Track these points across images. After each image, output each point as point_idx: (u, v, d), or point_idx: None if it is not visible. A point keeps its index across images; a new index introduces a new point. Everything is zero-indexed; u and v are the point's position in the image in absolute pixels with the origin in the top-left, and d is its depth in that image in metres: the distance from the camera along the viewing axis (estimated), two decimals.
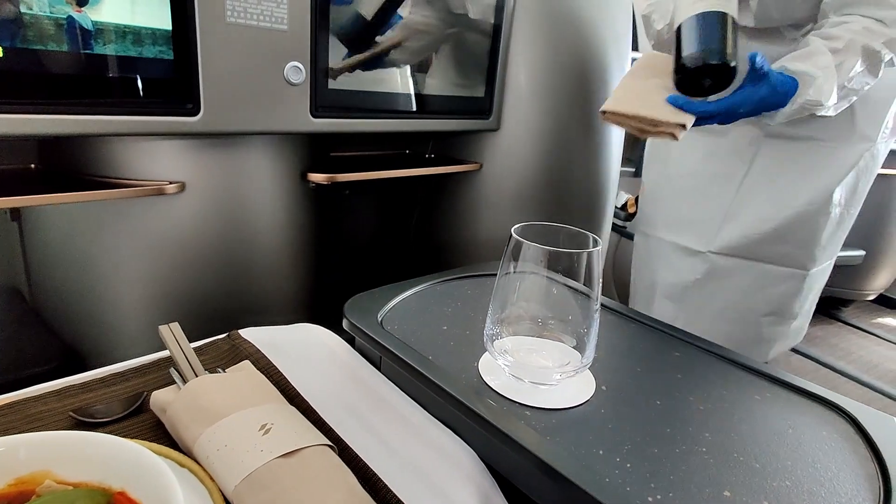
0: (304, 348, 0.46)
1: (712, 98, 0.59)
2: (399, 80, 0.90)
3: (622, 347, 0.46)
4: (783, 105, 0.60)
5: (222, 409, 0.34)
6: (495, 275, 0.39)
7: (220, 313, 0.81)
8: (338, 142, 1.03)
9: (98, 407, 0.36)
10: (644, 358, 0.45)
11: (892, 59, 0.61)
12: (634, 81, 0.62)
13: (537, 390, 0.39)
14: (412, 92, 0.91)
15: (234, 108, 0.71)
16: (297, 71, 0.75)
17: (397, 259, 1.23)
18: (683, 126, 0.56)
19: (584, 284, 0.37)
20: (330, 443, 0.34)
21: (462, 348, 0.42)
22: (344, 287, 1.04)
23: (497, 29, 0.95)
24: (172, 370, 0.39)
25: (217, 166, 0.78)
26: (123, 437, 0.33)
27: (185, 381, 0.37)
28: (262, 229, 0.83)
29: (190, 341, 0.48)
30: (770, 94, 0.57)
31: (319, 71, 0.77)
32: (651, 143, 1.01)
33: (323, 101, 0.78)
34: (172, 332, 0.40)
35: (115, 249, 0.75)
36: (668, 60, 0.59)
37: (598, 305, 0.38)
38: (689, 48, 0.54)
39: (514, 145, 1.06)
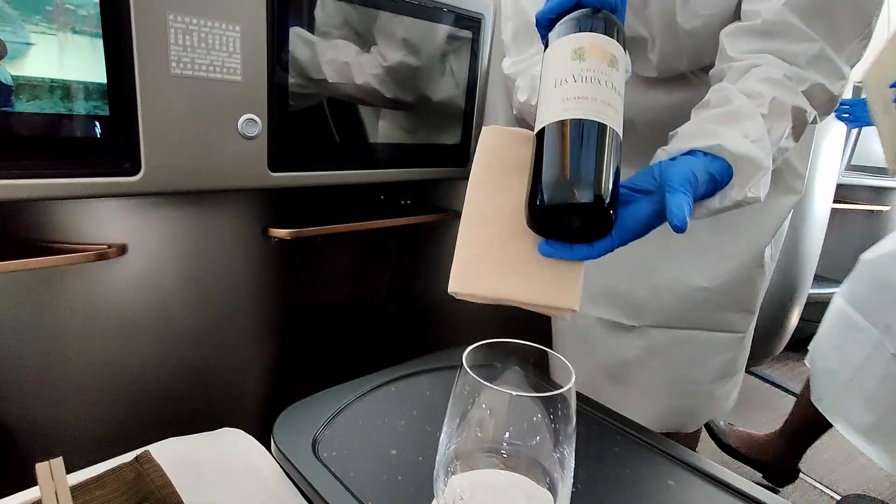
0: (224, 472, 0.39)
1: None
2: (367, 129, 0.84)
3: (604, 473, 0.39)
4: (709, 196, 0.41)
5: None
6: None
7: (160, 408, 0.72)
8: (304, 191, 0.97)
9: None
10: (632, 491, 0.38)
11: (815, 117, 0.47)
12: (484, 207, 0.39)
13: None
14: (381, 141, 0.86)
15: (181, 165, 0.65)
16: (252, 124, 0.69)
17: (371, 325, 1.15)
18: (572, 310, 0.37)
19: (560, 421, 0.31)
20: None
21: (411, 486, 0.35)
22: (310, 365, 0.95)
23: (473, 72, 0.90)
24: None
25: (163, 225, 0.71)
26: None
27: None
28: (216, 297, 0.75)
29: (103, 455, 0.40)
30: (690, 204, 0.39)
31: (278, 122, 0.71)
32: None
33: (282, 154, 0.72)
34: (51, 472, 0.33)
35: (38, 325, 0.67)
36: (529, 143, 0.38)
37: (573, 448, 0.31)
38: (548, 173, 0.34)
39: None
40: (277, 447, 0.36)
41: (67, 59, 0.57)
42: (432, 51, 0.83)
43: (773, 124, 0.43)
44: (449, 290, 0.38)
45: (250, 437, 0.43)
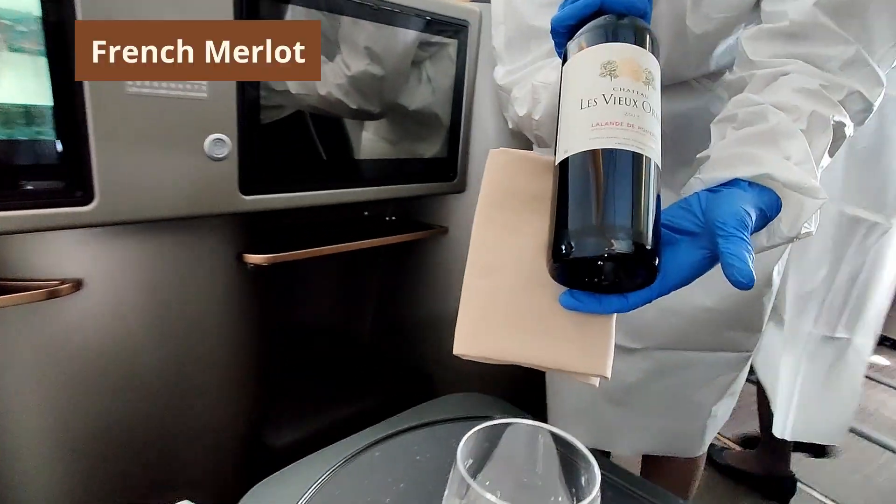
0: None
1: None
2: (346, 145, 0.79)
3: None
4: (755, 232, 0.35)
5: None
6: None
7: (118, 474, 0.65)
8: (280, 211, 0.91)
9: None
10: None
11: (852, 129, 0.41)
12: (493, 251, 0.32)
13: None
14: (363, 157, 0.80)
15: (140, 192, 0.58)
16: (220, 144, 0.63)
17: (358, 355, 1.09)
18: (603, 376, 0.32)
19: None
20: None
21: None
22: (292, 402, 0.88)
23: (459, 81, 0.85)
24: None
25: (124, 256, 0.65)
26: None
27: None
28: (184, 336, 0.69)
29: None
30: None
31: (249, 141, 0.65)
32: None
33: (254, 175, 0.67)
34: None
35: None
36: (547, 172, 0.32)
37: None
38: (577, 216, 0.28)
39: None
40: None
41: (5, 80, 0.51)
42: (401, 59, 0.78)
43: (813, 141, 0.37)
44: (454, 352, 0.31)
45: None
